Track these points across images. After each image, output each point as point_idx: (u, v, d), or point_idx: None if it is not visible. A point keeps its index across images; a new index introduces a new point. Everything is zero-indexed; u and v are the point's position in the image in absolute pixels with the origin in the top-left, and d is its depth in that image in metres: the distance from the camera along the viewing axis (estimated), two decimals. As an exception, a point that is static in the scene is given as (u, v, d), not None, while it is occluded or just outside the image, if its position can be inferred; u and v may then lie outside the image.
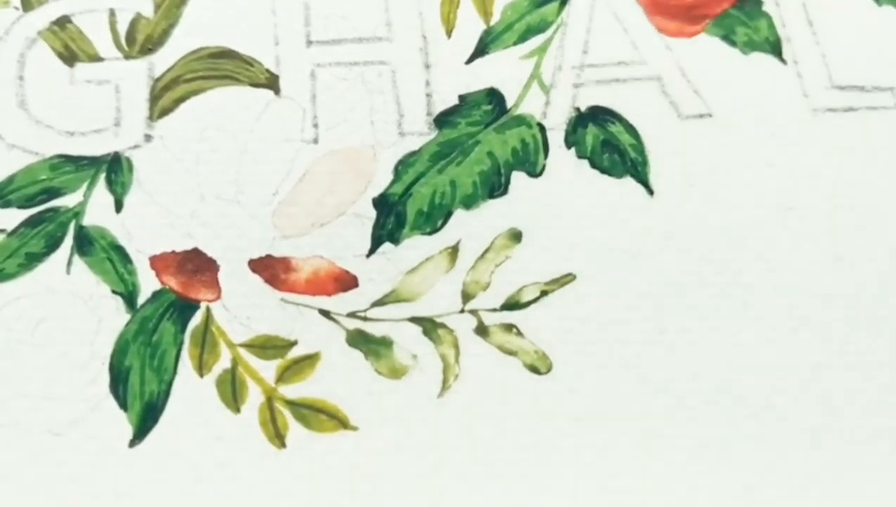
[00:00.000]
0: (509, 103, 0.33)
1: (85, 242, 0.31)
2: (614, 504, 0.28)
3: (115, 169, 0.32)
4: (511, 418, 0.29)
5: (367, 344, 0.30)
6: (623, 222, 0.31)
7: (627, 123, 0.32)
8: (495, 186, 0.32)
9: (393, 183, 0.32)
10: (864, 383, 0.31)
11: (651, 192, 0.32)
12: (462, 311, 0.31)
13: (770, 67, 0.32)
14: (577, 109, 0.33)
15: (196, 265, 0.31)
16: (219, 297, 0.31)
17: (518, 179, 0.32)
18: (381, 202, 0.32)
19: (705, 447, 0.31)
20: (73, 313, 0.30)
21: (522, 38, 0.34)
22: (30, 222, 0.31)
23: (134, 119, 0.33)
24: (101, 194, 0.32)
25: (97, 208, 0.32)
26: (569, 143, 0.32)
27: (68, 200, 0.32)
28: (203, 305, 0.31)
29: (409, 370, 0.30)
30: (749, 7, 0.33)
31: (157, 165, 0.32)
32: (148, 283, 0.31)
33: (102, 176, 0.32)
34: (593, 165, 0.32)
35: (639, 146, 0.32)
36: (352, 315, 0.30)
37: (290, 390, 0.29)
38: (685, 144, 0.32)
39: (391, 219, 0.32)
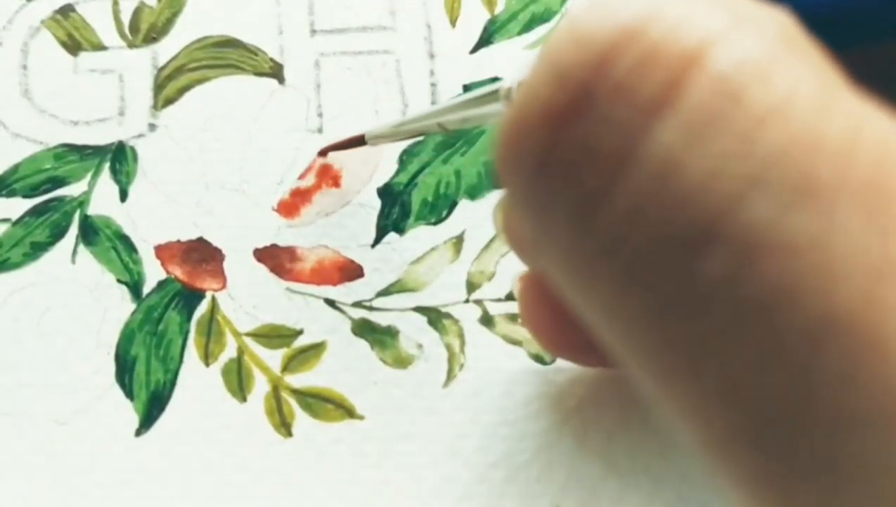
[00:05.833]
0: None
1: (90, 232, 0.31)
2: (619, 492, 0.29)
3: (119, 158, 0.32)
4: (516, 407, 0.29)
5: (373, 334, 0.30)
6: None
7: (632, 114, 0.32)
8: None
9: (398, 173, 0.32)
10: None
11: (655, 182, 0.32)
12: (467, 301, 0.31)
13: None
14: (582, 99, 0.33)
15: (201, 255, 0.31)
16: (224, 286, 0.31)
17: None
18: (385, 192, 0.32)
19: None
20: (78, 302, 0.30)
21: (527, 27, 0.34)
22: (34, 212, 0.31)
23: (138, 108, 0.33)
24: (106, 184, 0.32)
25: (102, 198, 0.32)
26: (573, 133, 0.32)
27: (73, 190, 0.32)
28: (208, 294, 0.31)
29: (415, 360, 0.30)
30: None
31: (161, 154, 0.32)
32: (153, 272, 0.31)
33: (107, 165, 0.32)
34: (598, 155, 0.32)
35: (643, 136, 0.32)
36: (357, 305, 0.30)
37: (296, 380, 0.30)
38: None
39: (396, 209, 0.32)
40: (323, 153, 0.32)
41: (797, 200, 0.12)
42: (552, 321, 0.26)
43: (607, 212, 0.13)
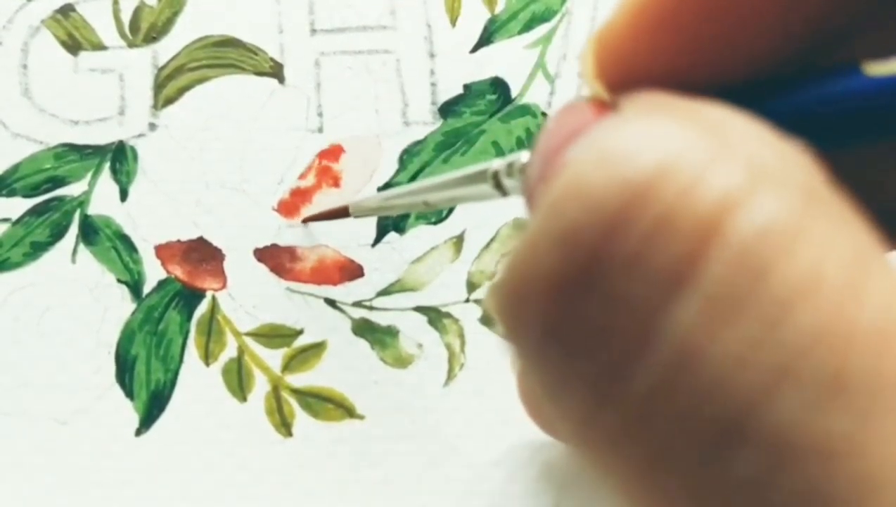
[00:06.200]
0: (514, 92, 0.33)
1: (90, 232, 0.31)
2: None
3: (119, 158, 0.32)
4: (516, 406, 0.29)
5: (373, 333, 0.30)
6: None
7: (632, 113, 0.32)
8: (500, 175, 0.32)
9: (398, 172, 0.32)
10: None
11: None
12: (468, 300, 0.31)
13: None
14: (582, 99, 0.33)
15: (201, 254, 0.31)
16: (224, 286, 0.31)
17: (523, 168, 0.32)
18: (386, 192, 0.32)
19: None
20: (78, 302, 0.30)
21: (527, 27, 0.34)
22: (35, 211, 0.31)
23: (138, 108, 0.33)
24: (106, 183, 0.32)
25: (102, 197, 0.32)
26: (574, 132, 0.32)
27: (73, 189, 0.32)
28: (209, 294, 0.31)
29: (415, 360, 0.30)
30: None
31: (161, 153, 0.32)
32: (153, 272, 0.31)
33: (107, 165, 0.32)
34: (598, 154, 0.32)
35: (644, 136, 0.32)
36: (357, 304, 0.30)
37: (297, 379, 0.30)
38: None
39: (396, 208, 0.32)
40: (305, 221, 0.31)
41: (829, 398, 0.11)
42: None
43: (629, 394, 0.12)
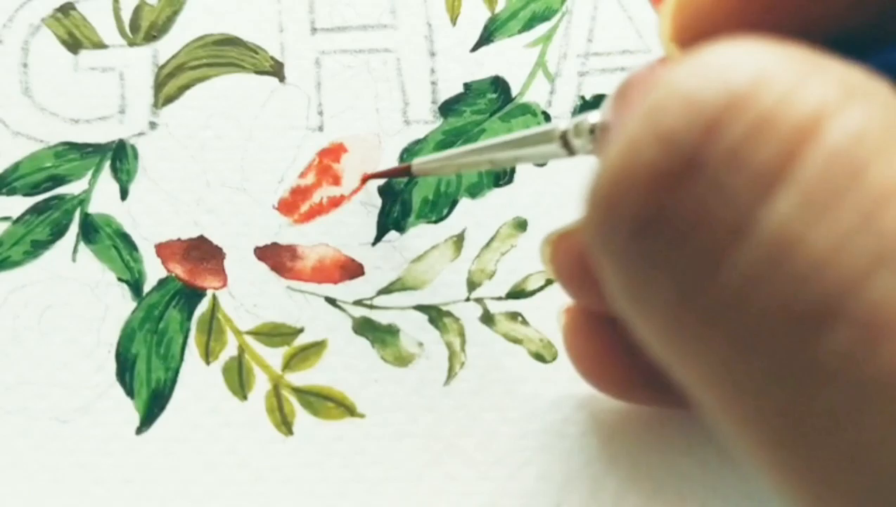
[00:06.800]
0: (514, 91, 0.33)
1: (90, 230, 0.31)
2: (619, 492, 0.29)
3: (120, 156, 0.32)
4: (516, 406, 0.30)
5: (374, 332, 0.30)
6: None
7: (633, 112, 0.32)
8: (500, 174, 0.32)
9: (398, 171, 0.32)
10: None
11: (656, 180, 0.32)
12: (468, 299, 0.31)
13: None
14: (582, 98, 0.33)
15: (202, 253, 0.31)
16: (225, 284, 0.31)
17: (523, 168, 0.32)
18: (386, 190, 0.32)
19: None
20: (79, 300, 0.30)
21: (527, 26, 0.34)
22: (35, 210, 0.31)
23: (139, 106, 0.33)
24: (106, 182, 0.32)
25: (102, 196, 0.32)
26: (574, 131, 0.32)
27: (73, 188, 0.32)
28: (209, 292, 0.31)
29: (415, 358, 0.30)
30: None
31: (162, 152, 0.32)
32: (154, 270, 0.31)
33: (107, 164, 0.32)
34: (599, 153, 0.32)
35: (644, 135, 0.32)
36: (358, 303, 0.30)
37: (297, 378, 0.30)
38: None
39: (397, 207, 0.32)
40: (364, 180, 0.32)
41: None
42: (600, 358, 0.25)
43: (721, 281, 0.13)
